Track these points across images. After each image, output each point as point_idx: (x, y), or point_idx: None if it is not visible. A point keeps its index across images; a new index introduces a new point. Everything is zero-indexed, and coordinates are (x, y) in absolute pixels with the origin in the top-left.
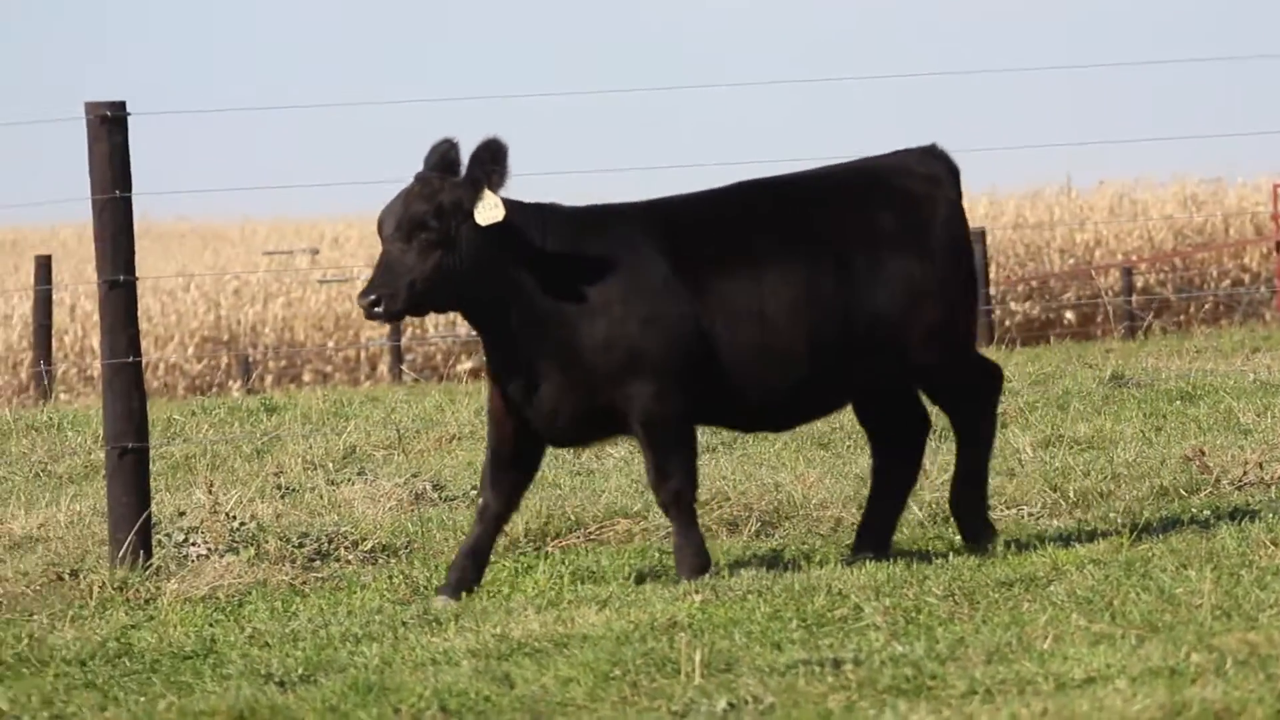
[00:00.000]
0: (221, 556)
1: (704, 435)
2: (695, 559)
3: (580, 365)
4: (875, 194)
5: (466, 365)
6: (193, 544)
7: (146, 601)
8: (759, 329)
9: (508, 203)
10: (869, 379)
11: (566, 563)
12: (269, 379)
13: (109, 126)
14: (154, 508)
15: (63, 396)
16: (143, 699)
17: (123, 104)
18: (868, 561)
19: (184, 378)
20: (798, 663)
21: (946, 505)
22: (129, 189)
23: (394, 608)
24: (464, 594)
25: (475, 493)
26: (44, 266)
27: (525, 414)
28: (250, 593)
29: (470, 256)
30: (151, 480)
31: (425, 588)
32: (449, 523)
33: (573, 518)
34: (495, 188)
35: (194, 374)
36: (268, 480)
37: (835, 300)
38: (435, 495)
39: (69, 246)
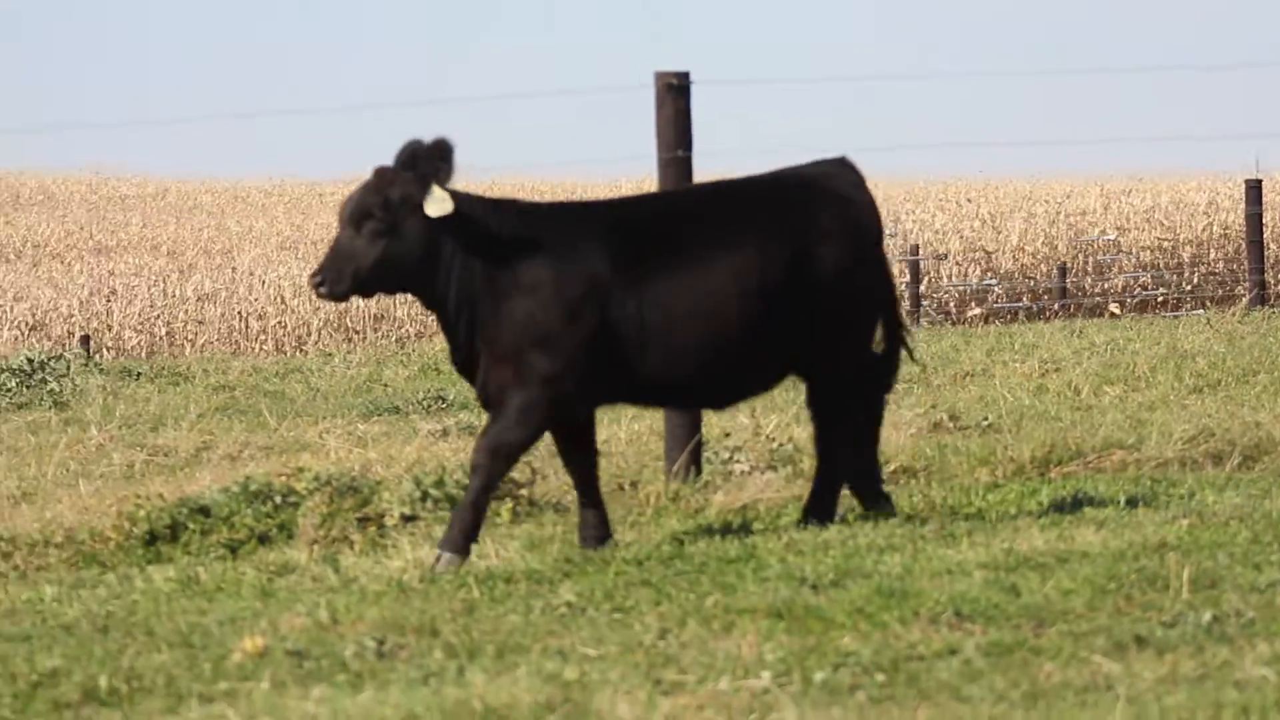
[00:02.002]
0: (762, 473)
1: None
2: (461, 536)
3: (498, 342)
4: (805, 198)
5: (976, 311)
6: (737, 462)
7: (696, 511)
8: (697, 321)
9: (468, 197)
10: (795, 363)
11: (1068, 487)
12: None
13: (674, 94)
14: (704, 429)
15: None
16: (692, 596)
17: (686, 74)
18: (815, 528)
19: None
20: (1276, 582)
21: None
22: (689, 149)
23: (914, 523)
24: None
25: (985, 422)
26: None
27: (473, 385)
28: (787, 506)
29: (416, 246)
30: None
31: (941, 506)
32: (962, 449)
33: (1073, 448)
34: (442, 183)
35: None
36: (802, 407)
37: (767, 296)
38: (951, 424)
39: None
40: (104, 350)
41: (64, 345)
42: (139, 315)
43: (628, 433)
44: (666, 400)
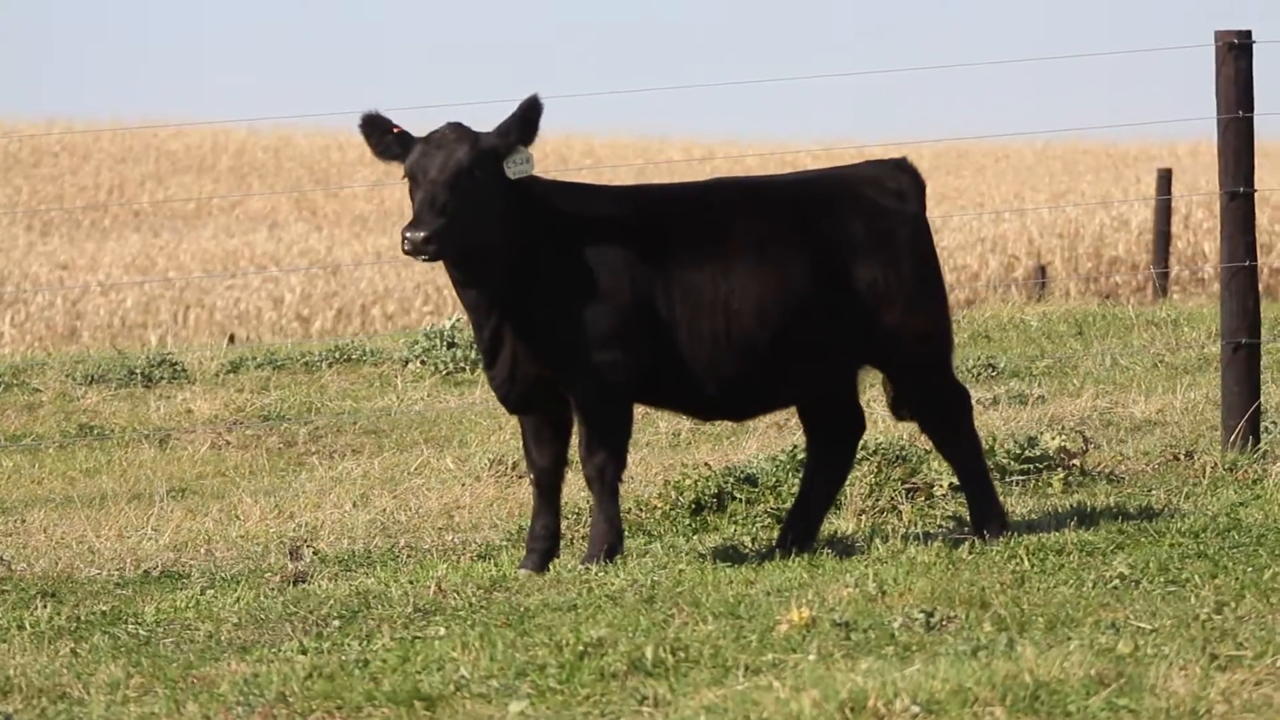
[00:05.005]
0: None
1: None
2: (606, 538)
3: (533, 335)
4: (845, 202)
5: None
6: None
7: (1254, 482)
8: (723, 321)
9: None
10: (825, 378)
11: None
12: None
13: (1235, 53)
14: (1262, 398)
15: (1175, 296)
16: (1250, 569)
17: (1248, 33)
18: (792, 555)
19: None
20: None
21: None
22: (1251, 109)
23: None
24: (549, 567)
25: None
26: (1164, 179)
27: (489, 373)
28: None
29: (497, 205)
30: (1261, 373)
31: None
32: None
33: None
34: (527, 144)
35: None
36: None
37: (799, 300)
38: None
39: (1183, 161)
40: None
41: None
42: None
43: (1183, 402)
44: (682, 403)
